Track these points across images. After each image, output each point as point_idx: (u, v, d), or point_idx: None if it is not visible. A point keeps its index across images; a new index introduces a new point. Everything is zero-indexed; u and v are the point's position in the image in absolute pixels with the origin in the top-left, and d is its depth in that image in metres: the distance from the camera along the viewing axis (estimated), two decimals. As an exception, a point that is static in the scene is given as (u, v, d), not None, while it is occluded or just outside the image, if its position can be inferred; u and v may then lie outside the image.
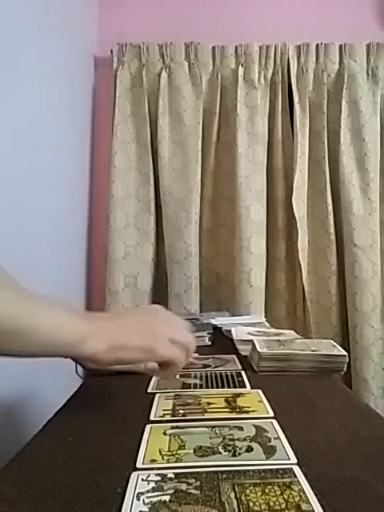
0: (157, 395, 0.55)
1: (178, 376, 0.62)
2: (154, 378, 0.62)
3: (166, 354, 0.51)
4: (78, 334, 0.47)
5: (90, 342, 0.47)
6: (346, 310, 1.63)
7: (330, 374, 0.64)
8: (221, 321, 1.13)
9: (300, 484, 0.33)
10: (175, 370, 0.53)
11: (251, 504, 0.30)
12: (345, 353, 0.66)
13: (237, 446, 0.39)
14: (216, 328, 1.04)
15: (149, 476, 0.35)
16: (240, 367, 0.68)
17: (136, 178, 1.68)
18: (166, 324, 0.56)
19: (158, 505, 0.30)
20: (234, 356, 0.75)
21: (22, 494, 0.33)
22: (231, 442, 0.40)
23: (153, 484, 0.33)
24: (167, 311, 0.61)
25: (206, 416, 0.47)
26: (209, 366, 0.70)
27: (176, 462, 0.37)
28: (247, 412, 0.48)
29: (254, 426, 0.44)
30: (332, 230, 1.63)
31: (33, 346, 0.45)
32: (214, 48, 1.70)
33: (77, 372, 0.59)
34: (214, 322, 1.11)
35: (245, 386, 0.58)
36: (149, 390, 0.58)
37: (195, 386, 0.59)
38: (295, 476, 0.34)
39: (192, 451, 0.39)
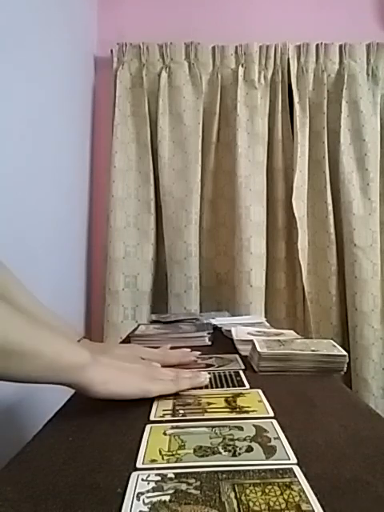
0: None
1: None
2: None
3: (159, 392, 0.54)
4: (80, 361, 0.49)
5: (90, 370, 0.49)
6: (345, 310, 1.63)
7: (330, 374, 0.64)
8: (221, 321, 1.13)
9: (300, 484, 0.33)
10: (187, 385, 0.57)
11: (251, 504, 0.30)
12: (345, 353, 0.66)
13: (237, 446, 0.39)
14: (216, 328, 1.04)
15: (149, 476, 0.34)
16: (243, 367, 0.68)
17: (136, 177, 1.68)
18: (152, 368, 0.61)
19: (158, 505, 0.30)
20: (237, 355, 0.75)
21: (21, 494, 0.33)
22: (231, 442, 0.40)
23: (153, 484, 0.33)
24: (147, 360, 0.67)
25: (206, 416, 0.47)
26: (212, 365, 0.70)
27: (176, 462, 0.37)
28: (247, 412, 0.48)
29: (253, 425, 0.44)
30: (332, 230, 1.63)
31: (36, 371, 0.47)
32: (214, 48, 1.70)
33: None
34: (214, 321, 1.11)
35: (245, 386, 0.58)
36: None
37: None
38: (295, 476, 0.34)
39: (192, 451, 0.39)
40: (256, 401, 0.52)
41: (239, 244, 1.60)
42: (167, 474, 0.35)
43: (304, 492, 0.32)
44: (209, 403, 0.51)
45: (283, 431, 0.42)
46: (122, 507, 0.31)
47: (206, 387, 0.58)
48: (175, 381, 0.57)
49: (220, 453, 0.38)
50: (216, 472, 0.35)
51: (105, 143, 1.70)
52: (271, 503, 0.30)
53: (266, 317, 1.41)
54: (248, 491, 0.32)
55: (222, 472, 0.35)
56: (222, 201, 1.70)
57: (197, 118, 1.67)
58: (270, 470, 0.35)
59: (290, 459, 0.37)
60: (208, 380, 0.59)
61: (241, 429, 0.43)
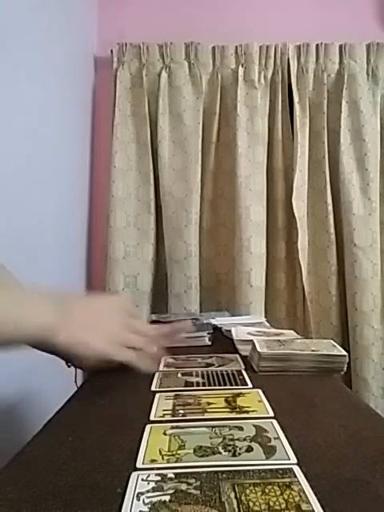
0: (157, 395, 0.55)
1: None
2: (155, 377, 0.62)
3: (121, 358, 0.55)
4: (42, 327, 0.49)
5: (56, 335, 0.50)
6: (345, 310, 1.63)
7: (330, 374, 0.64)
8: (221, 321, 1.13)
9: (300, 484, 0.33)
10: (142, 367, 0.58)
11: (251, 504, 0.30)
12: (345, 353, 0.66)
13: (237, 446, 0.39)
14: (216, 328, 1.04)
15: (149, 476, 0.34)
16: (243, 366, 0.68)
17: (136, 177, 1.68)
18: (119, 323, 0.58)
19: (158, 505, 0.30)
20: (237, 355, 0.75)
21: (21, 494, 0.33)
22: (231, 442, 0.40)
23: (153, 484, 0.33)
24: (122, 306, 0.62)
25: (206, 416, 0.47)
26: (212, 364, 0.70)
27: (176, 462, 0.37)
28: (247, 412, 0.48)
29: (254, 425, 0.44)
30: (332, 229, 1.63)
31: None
32: (214, 48, 1.70)
33: (67, 364, 0.59)
34: (214, 321, 1.11)
35: (246, 384, 0.58)
36: (152, 389, 0.58)
37: (198, 384, 0.59)
38: (295, 476, 0.34)
39: (192, 451, 0.39)
40: (256, 401, 0.52)
41: (239, 244, 1.60)
42: (167, 473, 0.35)
43: (304, 492, 0.32)
44: (209, 403, 0.51)
45: (283, 431, 0.42)
46: (122, 507, 0.31)
47: (203, 385, 0.58)
48: (142, 352, 0.57)
49: (220, 453, 0.38)
50: (216, 472, 0.35)
51: (105, 143, 1.70)
52: (271, 503, 0.30)
53: (266, 317, 1.41)
54: (248, 491, 0.32)
55: (222, 472, 0.35)
56: (222, 201, 1.70)
57: (197, 118, 1.67)
58: (270, 469, 0.35)
59: (289, 459, 0.37)
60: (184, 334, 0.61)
61: (241, 429, 0.43)
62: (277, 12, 1.76)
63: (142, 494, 0.32)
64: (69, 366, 0.60)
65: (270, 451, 0.38)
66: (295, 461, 0.37)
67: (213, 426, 0.44)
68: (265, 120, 1.68)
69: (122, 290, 1.61)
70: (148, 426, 0.45)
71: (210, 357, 0.75)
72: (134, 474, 0.35)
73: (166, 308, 1.63)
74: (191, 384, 0.59)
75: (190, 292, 1.60)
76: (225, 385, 0.59)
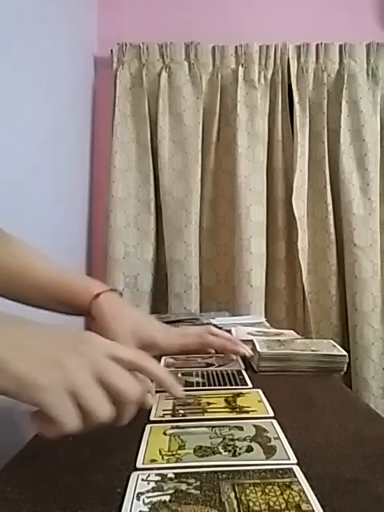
0: (157, 395, 0.55)
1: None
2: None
3: (47, 403, 0.32)
4: None
5: None
6: (346, 310, 1.63)
7: (330, 373, 0.64)
8: (221, 321, 1.13)
9: (300, 484, 0.33)
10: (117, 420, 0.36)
11: (251, 504, 0.30)
12: (345, 353, 0.66)
13: (237, 446, 0.39)
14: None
15: (149, 476, 0.34)
16: (243, 366, 0.68)
17: (136, 177, 1.68)
18: (82, 353, 0.34)
19: (158, 505, 0.30)
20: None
21: (21, 494, 0.33)
22: (231, 442, 0.40)
23: (153, 484, 0.33)
24: (100, 340, 0.38)
25: (206, 416, 0.47)
26: (212, 364, 0.70)
27: (176, 462, 0.37)
28: (247, 412, 0.48)
29: (254, 425, 0.44)
30: (332, 229, 1.64)
31: None
32: (213, 48, 1.70)
33: None
34: (214, 322, 1.10)
35: (246, 384, 0.58)
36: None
37: (198, 384, 0.59)
38: (295, 476, 0.34)
39: (192, 451, 0.39)
40: (256, 401, 0.52)
41: (239, 244, 1.60)
42: (167, 473, 0.35)
43: (304, 492, 0.32)
44: (209, 403, 0.51)
45: (283, 431, 0.42)
46: (121, 507, 0.31)
47: (203, 385, 0.58)
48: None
49: (220, 453, 0.38)
50: (216, 472, 0.35)
51: (105, 143, 1.70)
52: (271, 503, 0.30)
53: (266, 317, 1.41)
54: (248, 491, 0.32)
55: (222, 472, 0.35)
56: (222, 201, 1.70)
57: (197, 118, 1.67)
58: (270, 469, 0.35)
59: (290, 459, 0.37)
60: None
61: (241, 429, 0.43)
62: (277, 12, 1.76)
63: (142, 493, 0.32)
64: None
65: (270, 451, 0.38)
66: (295, 461, 0.37)
67: (213, 426, 0.44)
68: (265, 120, 1.68)
69: (122, 290, 1.61)
70: (148, 426, 0.45)
71: (210, 357, 0.75)
72: (134, 474, 0.35)
73: (166, 308, 1.63)
74: (191, 384, 0.59)
75: (189, 292, 1.60)
76: (225, 385, 0.59)
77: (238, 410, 0.49)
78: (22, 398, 0.32)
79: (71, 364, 0.33)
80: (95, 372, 0.34)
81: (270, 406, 0.50)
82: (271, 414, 0.48)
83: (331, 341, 0.73)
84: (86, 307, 0.61)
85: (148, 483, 0.33)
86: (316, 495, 0.31)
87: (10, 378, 0.31)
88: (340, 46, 1.69)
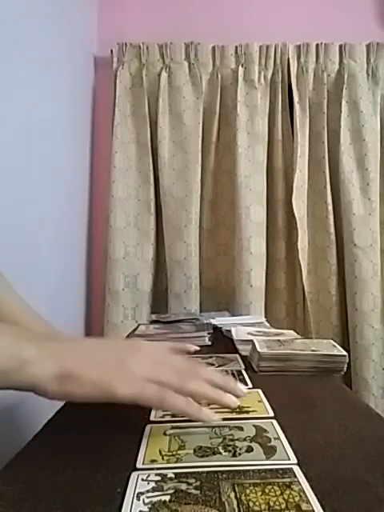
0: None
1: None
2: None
3: (127, 393, 0.38)
4: (16, 356, 0.37)
5: (32, 367, 0.37)
6: (346, 310, 1.63)
7: (330, 373, 0.64)
8: (221, 321, 1.13)
9: (300, 484, 0.33)
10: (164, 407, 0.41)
11: (251, 504, 0.30)
12: (345, 353, 0.66)
13: (237, 447, 0.39)
14: (216, 328, 1.04)
15: (149, 476, 0.34)
16: (243, 366, 0.68)
17: (136, 177, 1.68)
18: (141, 358, 0.42)
19: (158, 505, 0.30)
20: (237, 355, 0.75)
21: (21, 494, 0.33)
22: (231, 443, 0.40)
23: (153, 484, 0.33)
24: (152, 345, 0.46)
25: (206, 416, 0.47)
26: (212, 365, 0.70)
27: (176, 462, 0.37)
28: (247, 412, 0.48)
29: (254, 426, 0.44)
30: (332, 229, 1.64)
31: None
32: (214, 48, 1.70)
33: None
34: (214, 321, 1.11)
35: (246, 385, 0.58)
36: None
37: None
38: (295, 476, 0.34)
39: (192, 451, 0.39)
40: (256, 401, 0.52)
41: (239, 244, 1.60)
42: (167, 473, 0.35)
43: (304, 492, 0.32)
44: (208, 403, 0.51)
45: (283, 431, 0.42)
46: (121, 507, 0.31)
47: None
48: (167, 385, 0.40)
49: (220, 453, 0.38)
50: (216, 472, 0.35)
51: (105, 143, 1.70)
52: (271, 503, 0.30)
53: (266, 317, 1.41)
54: (248, 491, 0.32)
55: (222, 472, 0.35)
56: (222, 201, 1.70)
57: (197, 118, 1.67)
58: (270, 469, 0.35)
59: (290, 459, 0.37)
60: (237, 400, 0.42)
61: (241, 429, 0.43)
62: (277, 12, 1.76)
63: (142, 493, 0.32)
64: None
65: (270, 451, 0.38)
66: (295, 461, 0.37)
67: (213, 427, 0.44)
68: (265, 120, 1.68)
69: (122, 290, 1.61)
70: (148, 426, 0.45)
71: (210, 357, 0.75)
72: (134, 474, 0.35)
73: (166, 308, 1.63)
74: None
75: (189, 292, 1.60)
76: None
77: (237, 410, 0.49)
78: (102, 400, 0.39)
79: (132, 362, 0.41)
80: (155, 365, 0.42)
81: (270, 406, 0.50)
82: (271, 414, 0.48)
83: (331, 341, 0.73)
84: None
85: (148, 483, 0.33)
86: (316, 495, 0.31)
87: (87, 385, 0.38)
88: (340, 46, 1.69)
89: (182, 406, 0.40)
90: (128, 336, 1.00)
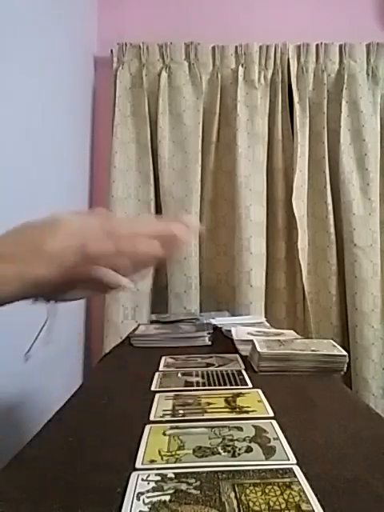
0: (157, 395, 0.55)
1: None
2: (155, 377, 0.62)
3: (46, 273, 0.35)
4: None
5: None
6: (346, 310, 1.63)
7: (330, 374, 0.64)
8: (221, 321, 1.13)
9: (300, 484, 0.33)
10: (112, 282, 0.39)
11: (251, 504, 0.30)
12: (345, 353, 0.66)
13: (236, 447, 0.39)
14: (216, 328, 1.04)
15: (149, 476, 0.34)
16: (243, 366, 0.68)
17: (136, 177, 1.68)
18: (61, 235, 0.38)
19: (158, 505, 0.30)
20: (237, 355, 0.75)
21: (22, 494, 0.33)
22: (231, 443, 0.40)
23: (153, 484, 0.33)
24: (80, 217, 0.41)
25: (206, 416, 0.47)
26: (212, 364, 0.70)
27: (175, 462, 0.37)
28: (247, 412, 0.48)
29: (253, 426, 0.44)
30: (332, 229, 1.63)
31: None
32: (213, 48, 1.70)
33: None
34: (214, 321, 1.11)
35: (246, 384, 0.58)
36: (152, 389, 0.58)
37: (198, 384, 0.59)
38: (295, 476, 0.34)
39: (191, 452, 0.39)
40: (256, 401, 0.52)
41: (239, 244, 1.60)
42: (167, 473, 0.35)
43: (304, 492, 0.32)
44: (209, 403, 0.51)
45: (283, 431, 0.42)
46: (122, 507, 0.31)
47: (203, 384, 0.58)
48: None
49: (219, 453, 0.38)
50: (216, 472, 0.35)
51: (105, 143, 1.70)
52: (271, 503, 0.30)
53: (266, 317, 1.41)
54: (248, 491, 0.32)
55: (222, 472, 0.35)
56: (222, 201, 1.70)
57: (197, 118, 1.66)
58: (270, 470, 0.35)
59: (289, 459, 0.37)
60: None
61: (240, 429, 0.43)
62: (277, 12, 1.76)
63: (142, 493, 0.32)
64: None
65: (269, 452, 0.38)
66: (295, 461, 0.37)
67: (212, 427, 0.44)
68: (265, 120, 1.68)
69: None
70: (148, 426, 0.45)
71: (210, 357, 0.75)
72: (134, 474, 0.35)
73: (166, 308, 1.63)
74: (191, 384, 0.59)
75: (189, 292, 1.60)
76: (225, 385, 0.59)
77: (237, 410, 0.49)
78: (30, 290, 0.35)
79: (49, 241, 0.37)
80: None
81: (270, 406, 0.50)
82: (271, 414, 0.48)
83: (331, 341, 0.73)
84: None
85: (148, 483, 0.33)
86: (316, 495, 0.31)
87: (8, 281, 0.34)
88: (340, 46, 1.69)
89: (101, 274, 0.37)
90: (128, 336, 1.00)
